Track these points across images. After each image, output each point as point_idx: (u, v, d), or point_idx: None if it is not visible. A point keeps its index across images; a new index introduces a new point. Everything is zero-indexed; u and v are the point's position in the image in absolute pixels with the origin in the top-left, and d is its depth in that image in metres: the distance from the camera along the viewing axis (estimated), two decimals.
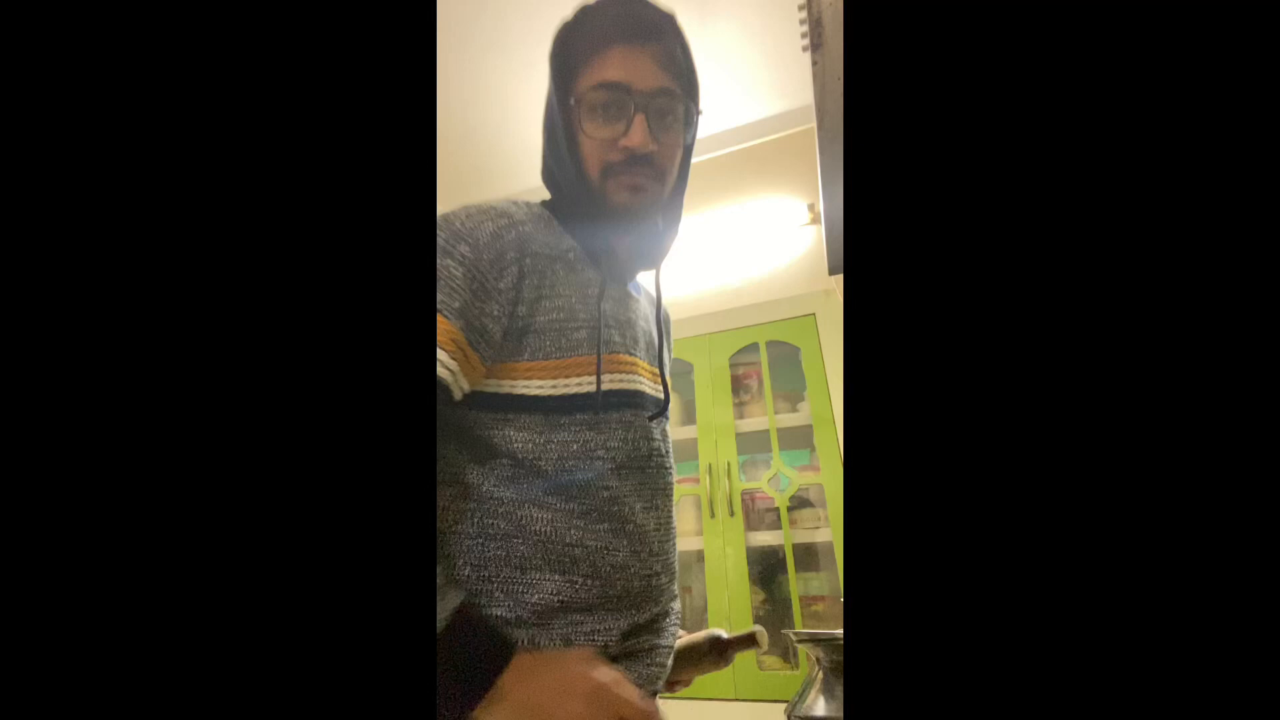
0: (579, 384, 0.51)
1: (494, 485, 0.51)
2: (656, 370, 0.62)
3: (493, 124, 2.11)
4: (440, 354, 0.47)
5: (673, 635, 0.60)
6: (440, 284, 0.47)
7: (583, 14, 0.58)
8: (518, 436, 0.51)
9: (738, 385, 1.86)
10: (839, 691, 0.68)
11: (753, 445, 1.81)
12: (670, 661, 0.60)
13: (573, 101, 0.56)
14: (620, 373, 0.54)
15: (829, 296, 1.78)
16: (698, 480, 1.74)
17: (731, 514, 1.66)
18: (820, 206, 0.96)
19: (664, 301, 0.67)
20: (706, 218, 2.12)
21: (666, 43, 0.57)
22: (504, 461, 0.51)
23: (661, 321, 0.66)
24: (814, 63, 0.68)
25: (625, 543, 0.53)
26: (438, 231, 0.50)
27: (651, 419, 0.57)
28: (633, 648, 0.55)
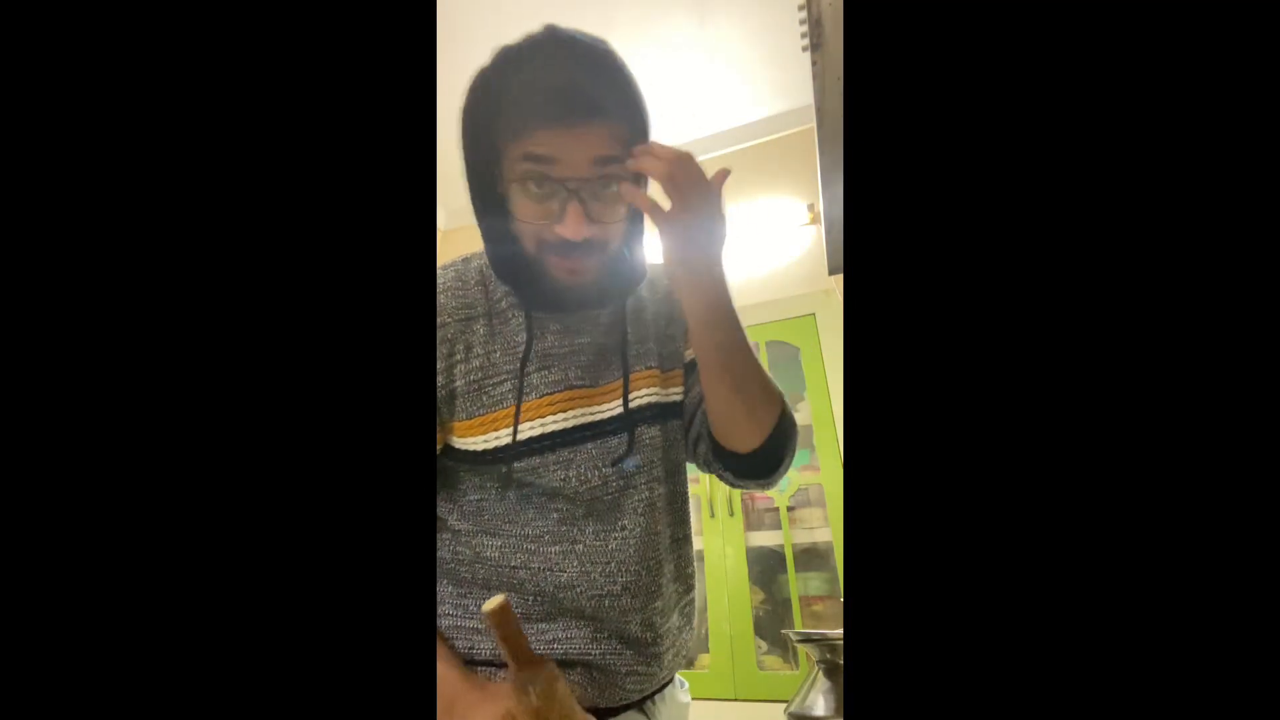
0: (507, 435, 0.55)
1: (457, 519, 0.59)
2: (618, 387, 0.60)
3: None
4: None
5: (653, 661, 0.58)
6: None
7: (503, 64, 0.51)
8: (472, 480, 0.58)
9: None
10: (839, 691, 0.68)
11: None
12: (649, 686, 0.58)
13: (498, 171, 0.53)
14: (557, 413, 0.56)
15: (829, 296, 1.78)
16: (697, 480, 1.74)
17: (731, 514, 1.66)
18: (820, 206, 0.96)
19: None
20: None
21: (602, 116, 0.50)
22: (469, 499, 0.58)
23: (629, 331, 0.62)
24: (814, 63, 0.68)
25: (575, 563, 0.56)
26: None
27: (613, 463, 0.58)
28: (605, 662, 0.56)
